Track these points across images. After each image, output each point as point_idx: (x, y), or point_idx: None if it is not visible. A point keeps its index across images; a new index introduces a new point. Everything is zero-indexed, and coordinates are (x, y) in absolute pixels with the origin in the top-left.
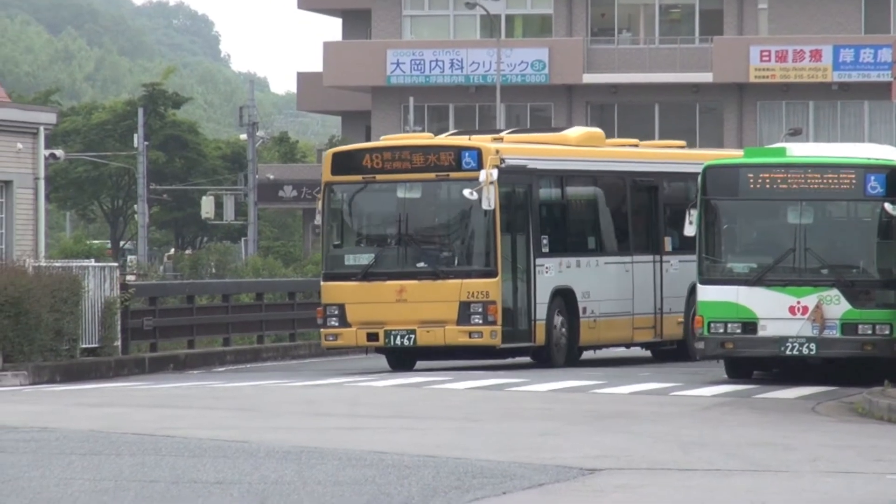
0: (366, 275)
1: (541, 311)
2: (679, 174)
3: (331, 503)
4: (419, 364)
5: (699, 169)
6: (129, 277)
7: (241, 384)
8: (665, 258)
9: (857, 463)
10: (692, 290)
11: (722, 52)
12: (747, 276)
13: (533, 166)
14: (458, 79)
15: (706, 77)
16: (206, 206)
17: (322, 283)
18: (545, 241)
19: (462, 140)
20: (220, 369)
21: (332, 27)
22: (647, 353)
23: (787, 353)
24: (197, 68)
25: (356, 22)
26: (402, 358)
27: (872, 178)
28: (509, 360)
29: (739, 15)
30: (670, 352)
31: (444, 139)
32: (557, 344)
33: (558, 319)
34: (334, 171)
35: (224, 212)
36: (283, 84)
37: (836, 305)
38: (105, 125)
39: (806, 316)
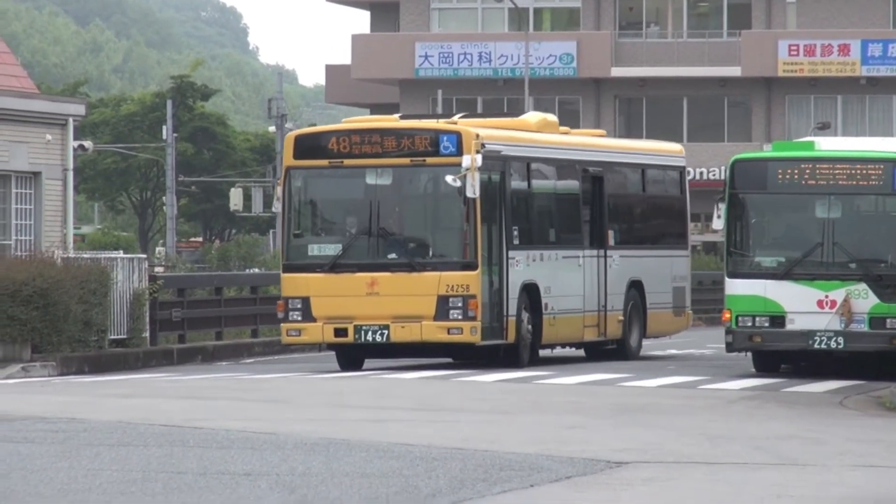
0: (333, 266)
1: (512, 307)
2: (625, 164)
3: (359, 495)
4: (368, 363)
5: (642, 160)
6: (157, 269)
7: (270, 376)
8: (609, 253)
9: (885, 457)
10: (630, 287)
11: (750, 46)
12: (775, 270)
13: (506, 153)
14: (487, 72)
15: (734, 71)
16: (235, 198)
17: (282, 274)
18: (515, 233)
19: (439, 123)
20: (249, 361)
21: (360, 20)
22: (582, 353)
23: (815, 346)
24: (225, 60)
25: (384, 14)
26: (352, 356)
27: None
28: (435, 360)
29: (767, 9)
30: (606, 352)
31: (419, 122)
32: (525, 342)
33: (525, 316)
34: (297, 155)
35: (252, 204)
36: (312, 76)
37: (864, 300)
38: (134, 117)
39: (834, 310)
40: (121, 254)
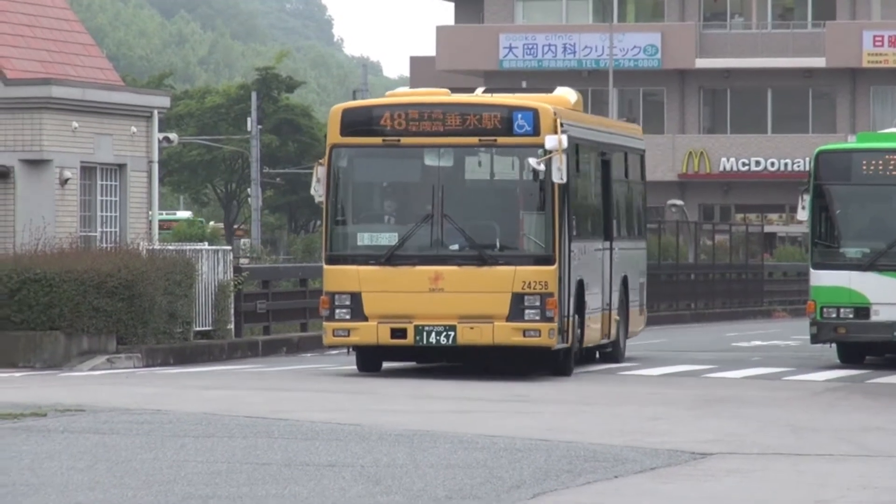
0: (389, 258)
1: (570, 306)
2: (619, 147)
3: (443, 486)
4: (386, 365)
5: (626, 142)
6: (242, 261)
7: (353, 367)
8: (613, 245)
9: None
10: (621, 283)
11: (835, 37)
12: (860, 261)
13: (571, 134)
14: (571, 63)
15: (819, 62)
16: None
17: (325, 266)
18: (574, 223)
19: (514, 99)
20: (334, 352)
21: (444, 11)
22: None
23: None
24: (310, 52)
25: (469, 6)
26: (371, 358)
27: None
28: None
29: None
30: (593, 355)
31: (487, 98)
32: (575, 345)
33: (576, 317)
34: (344, 132)
35: None
36: (396, 68)
37: None
38: (218, 109)
39: None
40: (206, 245)
